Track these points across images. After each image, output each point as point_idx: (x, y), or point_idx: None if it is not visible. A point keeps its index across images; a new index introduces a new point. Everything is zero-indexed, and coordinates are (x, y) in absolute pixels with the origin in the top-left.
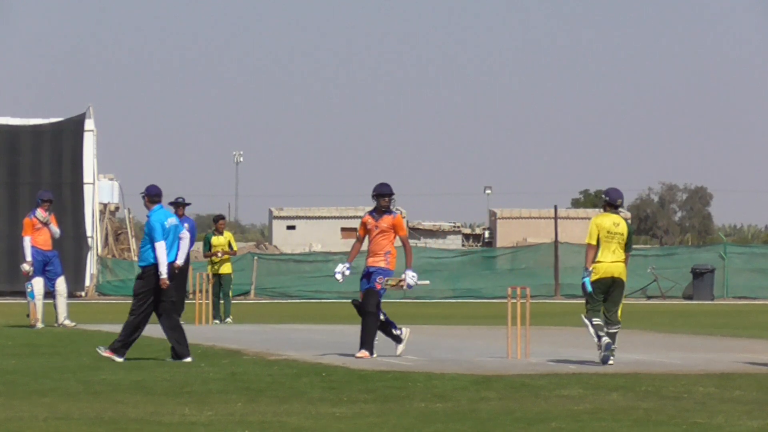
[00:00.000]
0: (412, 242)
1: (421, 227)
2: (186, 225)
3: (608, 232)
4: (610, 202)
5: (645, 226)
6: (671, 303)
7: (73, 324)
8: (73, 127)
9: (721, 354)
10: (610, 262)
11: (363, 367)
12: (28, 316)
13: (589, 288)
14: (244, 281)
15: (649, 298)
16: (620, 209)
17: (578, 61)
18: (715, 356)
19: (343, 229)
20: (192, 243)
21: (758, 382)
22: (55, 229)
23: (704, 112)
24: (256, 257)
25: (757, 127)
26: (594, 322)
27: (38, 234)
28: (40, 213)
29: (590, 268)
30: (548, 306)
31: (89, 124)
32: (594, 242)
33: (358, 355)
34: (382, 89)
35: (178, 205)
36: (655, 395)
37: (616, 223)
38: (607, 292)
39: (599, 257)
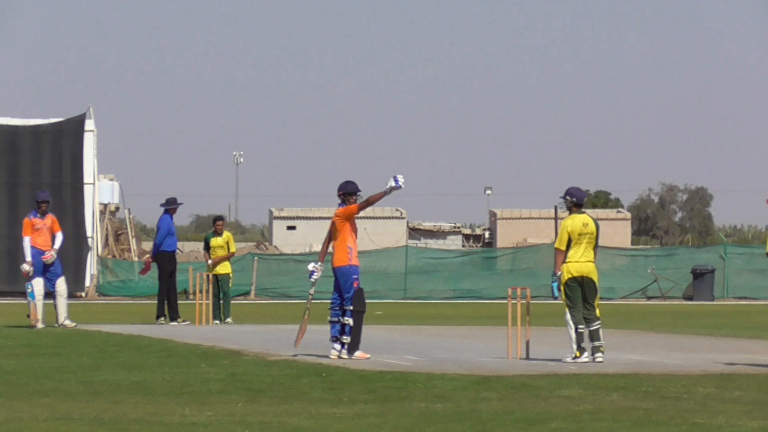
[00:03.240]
0: (412, 242)
1: (421, 227)
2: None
3: (579, 234)
4: (577, 202)
5: (645, 226)
6: (671, 303)
7: (74, 324)
8: (73, 128)
9: (721, 354)
10: (581, 262)
11: (363, 368)
12: (28, 316)
13: (556, 293)
14: (245, 281)
15: (649, 298)
16: (583, 209)
17: (578, 61)
18: (715, 356)
19: None
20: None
21: (758, 383)
22: (59, 237)
23: (704, 113)
24: (256, 257)
25: (756, 127)
26: (579, 329)
27: (38, 234)
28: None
29: (559, 273)
30: (548, 306)
31: (89, 124)
32: (564, 247)
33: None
34: (382, 89)
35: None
36: (656, 396)
37: (585, 223)
38: (581, 291)
39: (569, 257)
